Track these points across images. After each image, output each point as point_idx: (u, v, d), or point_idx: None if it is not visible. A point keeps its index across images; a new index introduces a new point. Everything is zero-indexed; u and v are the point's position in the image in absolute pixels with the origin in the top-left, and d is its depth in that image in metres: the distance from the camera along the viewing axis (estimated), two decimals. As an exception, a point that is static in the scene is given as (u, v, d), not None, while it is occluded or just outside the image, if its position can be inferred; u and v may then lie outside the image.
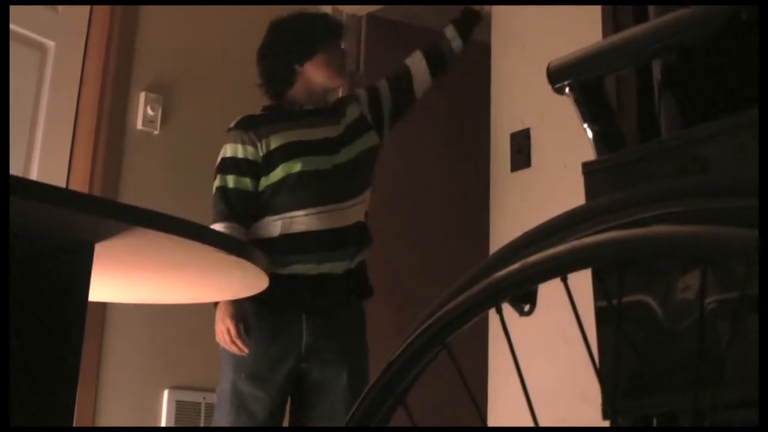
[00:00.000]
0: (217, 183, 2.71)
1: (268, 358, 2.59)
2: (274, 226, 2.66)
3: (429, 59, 2.94)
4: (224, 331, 2.53)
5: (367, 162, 2.81)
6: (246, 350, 2.54)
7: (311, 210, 2.65)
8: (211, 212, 2.69)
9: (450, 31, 2.98)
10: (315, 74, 2.80)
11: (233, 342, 2.52)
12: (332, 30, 2.87)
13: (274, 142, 2.69)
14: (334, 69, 2.82)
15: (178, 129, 3.51)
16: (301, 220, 2.65)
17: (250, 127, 2.73)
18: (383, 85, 2.93)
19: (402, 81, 2.93)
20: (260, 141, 2.69)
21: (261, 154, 2.69)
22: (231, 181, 2.68)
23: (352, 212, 2.71)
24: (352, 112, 2.85)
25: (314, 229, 2.64)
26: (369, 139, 2.82)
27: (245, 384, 2.58)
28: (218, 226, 2.61)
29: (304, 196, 2.66)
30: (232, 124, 2.77)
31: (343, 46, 2.99)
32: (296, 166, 2.66)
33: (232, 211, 2.65)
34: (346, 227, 2.68)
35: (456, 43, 2.96)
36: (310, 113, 2.81)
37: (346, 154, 2.75)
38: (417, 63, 2.94)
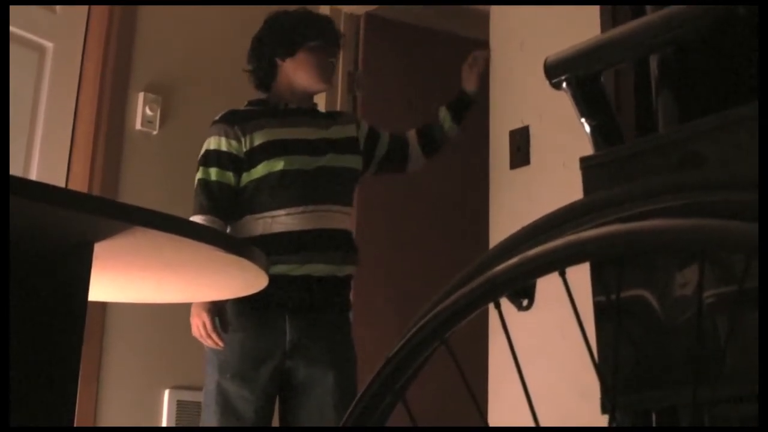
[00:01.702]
0: (199, 175, 2.70)
1: (251, 356, 2.58)
2: (255, 225, 2.65)
3: (421, 141, 2.97)
4: (200, 324, 2.53)
5: (349, 179, 2.80)
6: (221, 344, 2.54)
7: (291, 210, 2.64)
8: (192, 204, 2.68)
9: (443, 113, 2.99)
10: (295, 73, 2.79)
11: (209, 336, 2.52)
12: (325, 35, 2.83)
13: (258, 139, 2.68)
14: (314, 73, 2.78)
15: (176, 129, 3.51)
16: (281, 220, 2.64)
17: (234, 121, 2.72)
18: (384, 135, 2.95)
19: (400, 145, 2.96)
20: (244, 136, 2.69)
21: (244, 149, 2.68)
22: (214, 174, 2.67)
23: (335, 217, 2.70)
24: (348, 129, 2.85)
25: (295, 229, 2.63)
26: (354, 161, 2.82)
27: (230, 384, 2.57)
28: (198, 219, 2.60)
29: (285, 196, 2.65)
30: (216, 117, 2.75)
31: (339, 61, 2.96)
32: (278, 165, 2.66)
33: (214, 204, 2.65)
34: (329, 230, 2.67)
35: (448, 126, 2.99)
36: (295, 112, 2.80)
37: (332, 160, 2.74)
38: (413, 142, 2.97)
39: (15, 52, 3.02)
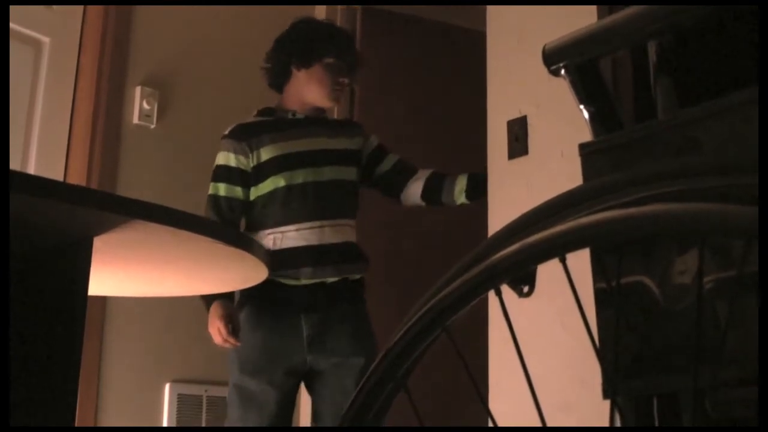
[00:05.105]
0: (209, 191, 2.75)
1: (270, 352, 2.65)
2: (266, 241, 2.69)
3: (426, 190, 2.85)
4: (216, 332, 2.61)
5: (351, 191, 2.81)
6: (238, 343, 2.61)
7: (301, 225, 2.68)
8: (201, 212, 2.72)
9: (461, 184, 2.83)
10: (307, 84, 2.80)
11: (226, 340, 2.60)
12: (345, 54, 2.82)
13: (265, 154, 2.71)
14: (325, 90, 2.78)
15: (174, 123, 3.51)
16: (291, 236, 2.67)
17: (243, 136, 2.74)
18: (390, 159, 2.89)
19: (404, 172, 2.87)
20: (252, 152, 2.72)
21: (252, 164, 2.72)
22: (222, 189, 2.72)
23: (344, 231, 2.73)
24: (354, 142, 2.85)
25: (305, 244, 2.67)
26: (350, 172, 2.81)
27: (251, 380, 2.64)
28: None
29: (294, 211, 2.69)
30: (226, 132, 2.78)
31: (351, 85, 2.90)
32: (283, 180, 2.69)
33: (223, 219, 2.70)
34: (339, 244, 2.70)
35: (460, 199, 2.84)
36: (302, 122, 2.81)
37: (333, 172, 2.76)
38: (418, 182, 2.85)
39: (11, 47, 3.02)
